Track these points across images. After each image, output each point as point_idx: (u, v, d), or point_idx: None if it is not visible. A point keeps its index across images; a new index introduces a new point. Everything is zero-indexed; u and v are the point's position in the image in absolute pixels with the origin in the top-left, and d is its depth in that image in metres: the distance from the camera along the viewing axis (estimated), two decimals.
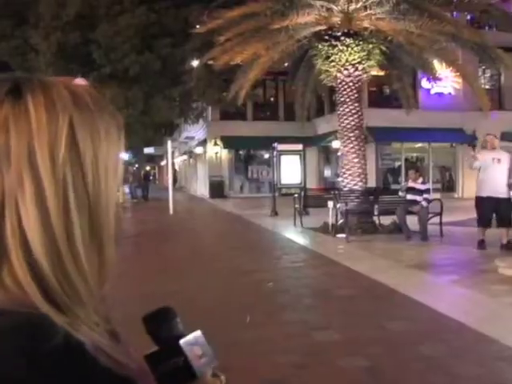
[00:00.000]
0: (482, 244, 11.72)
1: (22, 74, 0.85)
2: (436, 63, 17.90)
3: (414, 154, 35.00)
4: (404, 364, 5.35)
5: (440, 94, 31.77)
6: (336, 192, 15.98)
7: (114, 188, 0.87)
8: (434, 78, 19.89)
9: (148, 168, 74.36)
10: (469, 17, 24.26)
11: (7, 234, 0.77)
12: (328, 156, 36.35)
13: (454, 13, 19.14)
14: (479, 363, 5.31)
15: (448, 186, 34.05)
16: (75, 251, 0.80)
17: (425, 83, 30.37)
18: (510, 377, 4.99)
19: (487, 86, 33.35)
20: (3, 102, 0.78)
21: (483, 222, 11.78)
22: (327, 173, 36.78)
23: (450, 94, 31.61)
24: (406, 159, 33.43)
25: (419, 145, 34.12)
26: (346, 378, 5.04)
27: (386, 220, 15.26)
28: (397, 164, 33.60)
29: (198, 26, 18.34)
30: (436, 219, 14.12)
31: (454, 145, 33.43)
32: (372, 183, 25.85)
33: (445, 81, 29.37)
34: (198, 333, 1.06)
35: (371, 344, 5.87)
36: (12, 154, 0.77)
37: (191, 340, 1.03)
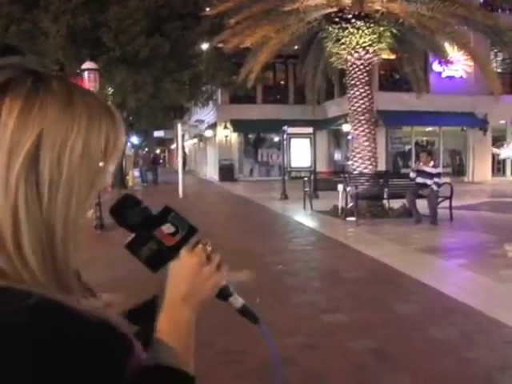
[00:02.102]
0: None
1: (27, 66, 0.88)
2: (447, 46, 17.76)
3: (425, 138, 34.90)
4: (411, 346, 5.37)
5: (451, 78, 31.56)
6: (346, 175, 15.98)
7: (77, 217, 0.88)
8: (445, 61, 19.77)
9: (158, 151, 74.49)
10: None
11: None
12: (338, 139, 36.29)
13: None
14: (488, 346, 5.31)
15: (458, 170, 33.95)
16: (24, 264, 0.83)
17: (436, 66, 30.17)
18: None
19: (499, 70, 33.13)
20: None
21: None
22: (337, 156, 36.73)
23: (461, 77, 31.42)
24: (417, 143, 33.37)
25: (429, 129, 34.01)
26: (353, 360, 5.06)
27: (396, 204, 15.24)
28: (407, 148, 33.51)
29: (207, 9, 18.28)
30: (446, 203, 14.10)
31: (464, 129, 33.29)
32: (382, 167, 25.82)
33: (456, 64, 29.17)
34: (166, 209, 1.07)
35: (379, 326, 5.90)
36: None
37: (159, 219, 1.04)
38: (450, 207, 14.07)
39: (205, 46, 25.69)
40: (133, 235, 1.03)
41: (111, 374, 0.86)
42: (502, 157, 11.10)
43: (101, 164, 0.91)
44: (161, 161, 76.21)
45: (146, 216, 1.05)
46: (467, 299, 6.76)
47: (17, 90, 0.83)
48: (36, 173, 0.82)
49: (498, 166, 34.12)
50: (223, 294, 1.13)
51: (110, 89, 28.09)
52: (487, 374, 4.71)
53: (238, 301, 1.16)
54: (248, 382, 4.60)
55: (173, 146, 67.89)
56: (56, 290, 0.84)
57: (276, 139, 35.40)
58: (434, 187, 13.68)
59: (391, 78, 31.26)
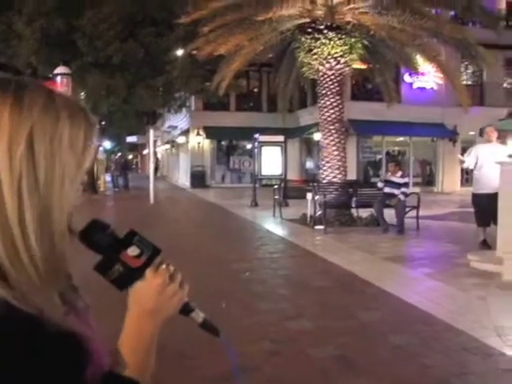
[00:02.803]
0: (485, 244, 10.85)
1: (5, 75, 0.98)
2: (418, 58, 18.03)
3: (396, 148, 35.24)
4: (373, 353, 5.49)
5: (422, 89, 31.97)
6: (315, 184, 16.12)
7: (71, 191, 0.97)
8: (415, 72, 20.11)
9: (130, 156, 74.21)
10: (453, 13, 24.42)
11: None
12: (310, 148, 36.52)
13: (439, 9, 19.34)
14: (446, 353, 5.45)
15: (428, 180, 34.34)
16: (26, 237, 0.90)
17: (407, 78, 30.60)
18: (473, 366, 5.14)
19: (469, 82, 33.63)
20: None
21: (483, 220, 10.98)
22: (309, 164, 36.93)
23: (432, 88, 31.79)
24: (388, 153, 33.66)
25: (400, 138, 34.39)
26: (316, 366, 5.16)
27: (365, 213, 15.42)
28: (378, 157, 33.80)
29: (182, 16, 18.35)
30: (413, 213, 14.30)
31: (434, 139, 33.69)
32: (352, 176, 26.00)
33: (427, 76, 29.62)
34: (130, 232, 1.12)
35: (342, 334, 6.02)
36: None
37: (125, 242, 1.10)
38: (417, 217, 14.28)
39: (179, 53, 25.74)
40: (100, 257, 1.10)
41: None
42: (465, 165, 11.11)
43: (82, 154, 0.99)
44: (133, 166, 75.87)
45: (112, 239, 1.11)
46: (429, 308, 6.92)
47: (4, 89, 0.93)
48: (33, 157, 0.91)
49: (467, 177, 34.51)
50: (185, 309, 1.20)
51: (82, 93, 28.01)
52: (445, 380, 4.86)
53: (199, 315, 1.22)
54: None
55: (145, 152, 67.76)
56: (37, 285, 0.91)
57: (248, 146, 35.49)
58: (402, 197, 13.87)
59: (363, 88, 31.50)
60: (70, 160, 0.96)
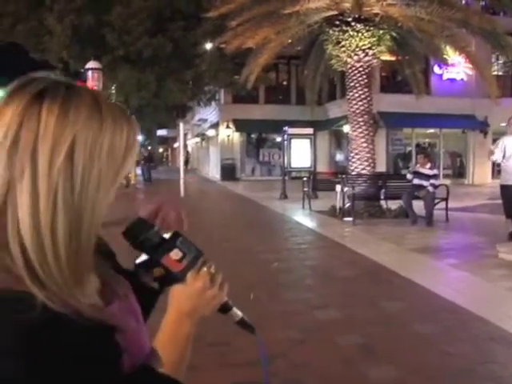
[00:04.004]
0: None
1: (57, 78, 1.04)
2: (448, 49, 17.91)
3: (426, 140, 35.01)
4: (398, 341, 5.56)
5: (452, 80, 31.71)
6: (343, 176, 16.15)
7: (106, 196, 1.03)
8: (445, 64, 19.99)
9: (161, 150, 74.66)
10: (483, 3, 24.21)
11: (8, 217, 0.96)
12: (340, 140, 36.42)
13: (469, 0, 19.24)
14: (470, 342, 5.51)
15: (459, 172, 34.06)
16: (56, 245, 0.96)
17: (437, 69, 30.36)
18: (498, 356, 5.19)
19: (500, 73, 33.27)
20: (28, 99, 0.97)
21: (511, 212, 10.86)
22: (339, 157, 36.84)
23: (462, 80, 31.52)
24: (418, 145, 33.45)
25: (430, 130, 34.12)
26: (341, 354, 5.25)
27: (394, 204, 15.41)
28: (408, 149, 33.61)
29: (210, 10, 18.45)
30: (442, 205, 14.27)
31: (465, 131, 33.39)
32: (382, 168, 25.98)
33: (457, 67, 29.38)
34: (174, 234, 1.18)
35: (368, 323, 6.10)
36: (20, 144, 0.95)
37: (168, 246, 1.15)
38: (446, 209, 14.24)
39: (207, 47, 25.87)
40: (144, 256, 1.19)
41: (103, 375, 0.99)
42: (494, 158, 10.94)
43: (121, 161, 1.05)
44: (163, 159, 76.21)
45: (156, 240, 1.16)
46: (455, 297, 6.96)
47: (53, 95, 0.98)
48: (71, 166, 0.97)
49: (498, 169, 34.20)
50: (224, 308, 1.26)
51: (113, 88, 28.30)
52: (468, 368, 4.91)
53: (236, 314, 1.29)
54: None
55: (176, 145, 68.16)
56: (64, 287, 0.97)
57: (278, 139, 35.52)
58: (430, 189, 13.85)
59: (393, 80, 31.33)
60: (107, 168, 1.01)
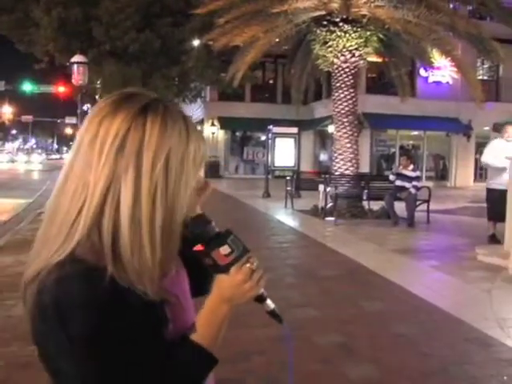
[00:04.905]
0: (493, 238, 10.93)
1: (156, 97, 1.28)
2: (435, 52, 18.01)
3: (410, 142, 35.21)
4: (376, 341, 5.62)
5: (438, 83, 31.92)
6: (326, 176, 16.22)
7: (186, 196, 1.25)
8: (430, 66, 20.10)
9: None
10: (470, 8, 24.34)
11: (107, 205, 1.18)
12: (324, 140, 36.55)
13: (456, 4, 19.33)
14: (447, 343, 5.58)
15: (442, 174, 34.31)
16: (153, 233, 1.20)
17: (423, 72, 30.53)
18: (473, 356, 5.26)
19: (485, 77, 33.56)
20: (135, 111, 1.20)
21: (494, 215, 10.82)
22: (323, 157, 36.98)
23: (447, 83, 31.73)
24: (401, 146, 33.63)
25: (415, 133, 34.35)
26: (320, 352, 5.29)
27: (376, 205, 15.50)
28: (391, 151, 33.79)
29: (199, 7, 18.43)
30: (424, 206, 14.38)
31: (449, 134, 33.63)
32: (365, 169, 26.09)
33: (443, 70, 29.57)
34: (227, 231, 1.34)
35: (347, 322, 6.15)
36: (126, 148, 1.18)
37: (220, 241, 1.31)
38: (428, 210, 14.36)
39: (195, 43, 25.83)
40: (199, 246, 1.32)
41: (149, 339, 1.21)
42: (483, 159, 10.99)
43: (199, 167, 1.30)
44: None
45: (212, 234, 1.32)
46: (434, 298, 7.03)
47: (155, 111, 1.22)
48: (167, 170, 1.20)
49: (481, 172, 34.51)
50: (259, 298, 1.41)
51: (98, 82, 28.20)
52: (444, 369, 4.97)
53: (269, 305, 1.44)
54: None
55: None
56: (141, 273, 1.19)
57: (262, 138, 35.56)
58: (413, 190, 13.95)
59: (379, 82, 31.46)
60: (191, 172, 1.25)
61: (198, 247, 1.32)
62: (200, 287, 1.48)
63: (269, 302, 1.44)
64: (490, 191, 11.26)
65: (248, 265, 1.32)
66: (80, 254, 1.17)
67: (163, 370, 1.22)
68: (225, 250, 1.29)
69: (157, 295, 1.21)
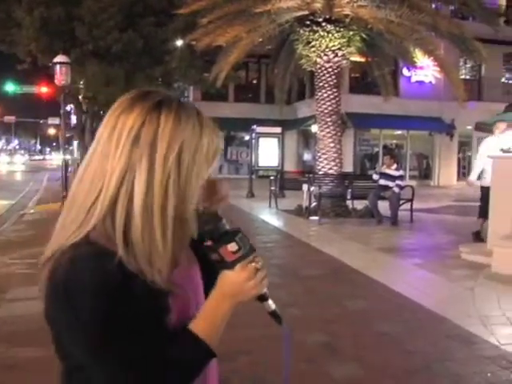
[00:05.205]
0: (478, 236, 11.04)
1: (170, 94, 1.35)
2: (418, 52, 18.08)
3: (393, 141, 35.32)
4: (360, 340, 5.64)
5: (420, 83, 32.05)
6: (310, 175, 16.24)
7: (198, 187, 1.32)
8: (413, 66, 20.19)
9: None
10: (453, 8, 24.50)
11: (122, 193, 1.24)
12: (308, 140, 36.55)
13: (438, 4, 19.44)
14: (430, 341, 5.61)
15: (425, 173, 34.47)
16: (164, 221, 1.26)
17: (405, 71, 30.63)
18: (456, 354, 5.29)
19: (468, 77, 33.76)
20: (149, 106, 1.28)
21: (484, 212, 10.68)
22: (306, 156, 36.99)
23: (430, 82, 31.86)
24: (385, 146, 33.71)
25: (398, 132, 34.43)
26: (304, 352, 5.30)
27: (360, 204, 15.56)
28: (375, 150, 33.89)
29: (182, 7, 18.39)
30: (408, 205, 14.44)
31: (432, 133, 33.76)
32: (349, 168, 26.17)
33: (425, 70, 29.69)
34: (236, 229, 1.37)
35: (331, 321, 6.17)
36: (141, 139, 1.25)
37: (228, 238, 1.34)
38: (411, 209, 14.43)
39: (178, 43, 25.77)
40: (208, 242, 1.36)
41: (150, 325, 1.25)
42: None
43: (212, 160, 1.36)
44: None
45: (222, 231, 1.36)
46: (417, 297, 7.08)
47: (168, 106, 1.29)
48: (179, 161, 1.26)
49: (463, 171, 34.74)
50: (261, 298, 1.43)
51: (81, 82, 28.08)
52: (427, 366, 5.00)
53: (270, 305, 1.46)
54: None
55: None
56: (150, 259, 1.25)
57: (246, 138, 35.55)
58: (396, 189, 14.01)
59: (362, 81, 31.54)
60: (203, 164, 1.32)
61: (208, 243, 1.36)
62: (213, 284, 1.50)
63: (270, 302, 1.46)
64: (483, 189, 11.31)
65: (253, 264, 1.35)
66: (94, 238, 1.24)
67: (162, 358, 1.26)
68: (232, 247, 1.33)
69: (165, 285, 1.26)
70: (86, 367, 1.27)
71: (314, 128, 22.07)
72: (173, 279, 1.30)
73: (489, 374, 4.76)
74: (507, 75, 35.94)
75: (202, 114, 1.36)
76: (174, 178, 1.25)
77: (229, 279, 1.34)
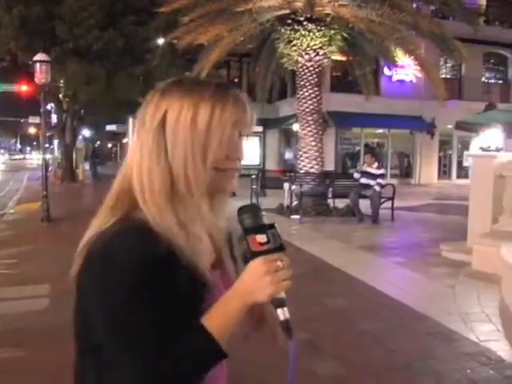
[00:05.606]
0: None
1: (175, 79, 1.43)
2: (398, 51, 18.14)
3: (374, 140, 35.44)
4: (342, 338, 5.66)
5: (401, 82, 32.19)
6: (291, 174, 16.25)
7: (197, 164, 1.34)
8: (394, 65, 20.26)
9: (110, 145, 73.86)
10: (433, 7, 24.61)
11: (128, 166, 1.38)
12: (289, 139, 36.58)
13: (419, 4, 19.54)
14: (411, 339, 5.64)
15: (406, 172, 34.62)
16: (151, 182, 1.32)
17: (387, 70, 30.74)
18: (438, 351, 5.31)
19: (448, 76, 33.96)
20: (152, 96, 1.39)
21: None
22: (288, 155, 37.02)
23: (411, 81, 32.00)
24: (366, 144, 33.81)
25: (379, 131, 34.56)
26: (286, 350, 5.30)
27: (341, 203, 15.59)
28: (356, 149, 33.98)
29: (163, 5, 18.32)
30: (389, 204, 14.50)
31: (413, 132, 33.93)
32: (331, 167, 26.21)
33: (406, 69, 29.81)
34: (271, 224, 1.39)
35: (312, 320, 6.17)
36: (146, 124, 1.36)
37: (261, 229, 1.36)
38: (392, 208, 14.49)
39: (159, 42, 25.68)
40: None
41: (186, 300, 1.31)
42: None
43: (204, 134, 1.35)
44: (112, 155, 75.38)
45: (258, 223, 1.38)
46: (398, 295, 7.11)
47: (168, 92, 1.37)
48: (164, 134, 1.33)
49: (444, 169, 34.97)
50: (276, 303, 1.36)
51: (61, 81, 27.89)
52: (408, 364, 5.02)
53: (284, 315, 1.37)
54: None
55: (125, 141, 67.43)
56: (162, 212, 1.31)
57: None
58: (377, 188, 14.06)
59: (343, 80, 31.60)
60: (188, 137, 1.33)
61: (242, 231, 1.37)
62: None
63: (286, 311, 1.38)
64: None
65: (278, 262, 1.32)
66: (135, 215, 1.30)
67: (176, 350, 1.25)
68: (262, 238, 1.33)
69: (203, 275, 1.32)
70: (104, 345, 1.26)
71: (296, 127, 22.09)
72: (213, 278, 1.36)
73: (468, 371, 4.79)
74: (487, 74, 36.24)
75: (202, 81, 1.46)
76: (158, 141, 1.33)
77: (247, 270, 1.31)
